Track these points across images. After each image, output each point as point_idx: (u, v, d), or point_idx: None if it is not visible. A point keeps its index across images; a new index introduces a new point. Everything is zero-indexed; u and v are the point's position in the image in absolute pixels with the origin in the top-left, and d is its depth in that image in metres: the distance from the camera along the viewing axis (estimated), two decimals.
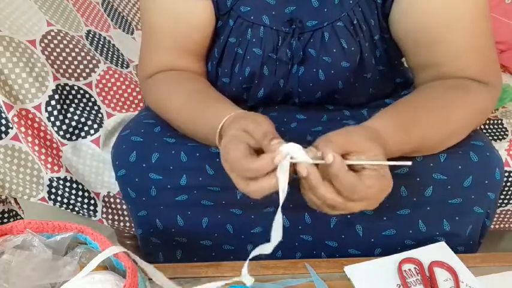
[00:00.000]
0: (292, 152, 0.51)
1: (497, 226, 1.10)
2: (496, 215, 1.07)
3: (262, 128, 0.54)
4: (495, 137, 1.04)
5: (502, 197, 1.03)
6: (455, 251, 0.65)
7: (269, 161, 0.51)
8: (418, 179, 0.66)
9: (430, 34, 0.66)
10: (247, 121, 0.56)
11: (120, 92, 0.99)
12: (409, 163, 0.53)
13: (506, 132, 1.05)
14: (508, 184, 1.01)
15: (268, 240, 0.73)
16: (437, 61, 0.68)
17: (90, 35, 1.03)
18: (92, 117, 0.92)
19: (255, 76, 0.75)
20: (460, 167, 0.65)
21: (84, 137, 0.92)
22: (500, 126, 1.07)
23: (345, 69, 0.73)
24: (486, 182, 0.65)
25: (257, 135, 0.54)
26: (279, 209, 0.52)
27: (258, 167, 0.51)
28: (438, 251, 0.65)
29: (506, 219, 1.08)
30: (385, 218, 0.68)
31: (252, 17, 0.71)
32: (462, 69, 0.67)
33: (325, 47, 0.71)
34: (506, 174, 1.00)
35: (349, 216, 0.68)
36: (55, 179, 0.92)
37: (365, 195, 0.52)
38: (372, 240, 0.69)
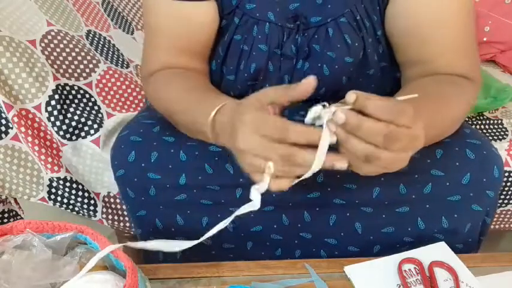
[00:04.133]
0: (318, 112, 0.50)
1: (497, 226, 1.10)
2: (496, 215, 1.07)
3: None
4: (495, 137, 1.04)
5: (502, 197, 1.03)
6: (455, 249, 0.65)
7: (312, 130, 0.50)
8: (416, 176, 0.66)
9: (420, 34, 0.69)
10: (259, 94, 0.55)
11: (120, 92, 0.99)
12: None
13: (506, 132, 1.05)
14: (508, 184, 1.01)
15: (267, 239, 0.73)
16: (426, 58, 0.70)
17: (90, 35, 1.03)
18: (92, 117, 0.92)
19: (260, 72, 0.75)
20: (457, 163, 0.65)
21: (84, 137, 0.92)
22: (500, 126, 1.07)
23: (348, 65, 0.74)
24: (484, 180, 0.65)
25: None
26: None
27: (303, 130, 0.50)
28: (438, 251, 0.65)
29: (506, 219, 1.08)
30: (384, 216, 0.68)
31: (257, 14, 0.72)
32: (450, 66, 0.69)
33: (329, 43, 0.72)
34: (506, 174, 1.00)
35: (348, 214, 0.69)
36: (55, 179, 0.92)
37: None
38: (371, 237, 0.69)
